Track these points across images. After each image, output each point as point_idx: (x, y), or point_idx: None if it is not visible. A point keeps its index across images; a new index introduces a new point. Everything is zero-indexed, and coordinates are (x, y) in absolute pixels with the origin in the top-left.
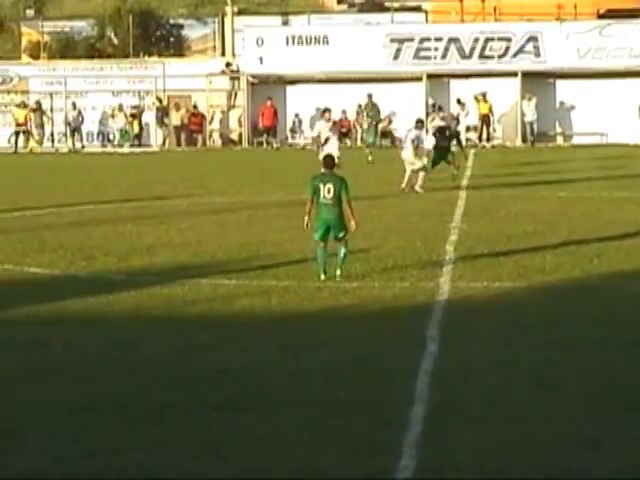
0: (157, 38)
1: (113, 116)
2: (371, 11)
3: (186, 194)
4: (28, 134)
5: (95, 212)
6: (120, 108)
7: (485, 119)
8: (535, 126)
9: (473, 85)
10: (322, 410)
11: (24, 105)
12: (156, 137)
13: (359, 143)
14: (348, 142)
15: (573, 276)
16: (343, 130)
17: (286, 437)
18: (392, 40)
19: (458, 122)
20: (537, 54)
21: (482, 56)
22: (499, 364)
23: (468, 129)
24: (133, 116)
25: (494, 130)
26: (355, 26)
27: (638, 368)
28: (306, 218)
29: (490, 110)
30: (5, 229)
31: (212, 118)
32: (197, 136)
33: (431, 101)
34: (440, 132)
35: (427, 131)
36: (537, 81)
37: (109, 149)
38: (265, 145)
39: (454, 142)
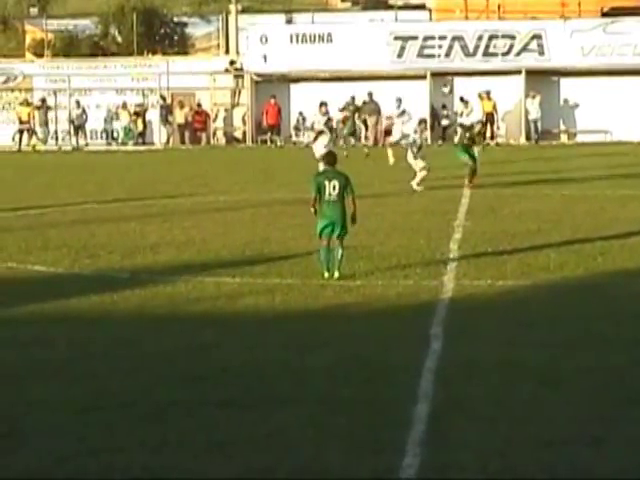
0: (161, 36)
1: (117, 114)
2: (375, 9)
3: (190, 192)
4: (32, 132)
5: (99, 210)
6: (124, 106)
7: (489, 117)
8: (539, 124)
9: (477, 83)
10: (326, 408)
11: (27, 103)
12: (160, 135)
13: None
14: (352, 140)
15: (577, 274)
16: None
17: (290, 435)
18: (396, 38)
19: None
20: (541, 52)
21: (486, 54)
22: (503, 362)
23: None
24: (137, 114)
25: (498, 128)
26: (359, 24)
27: None
28: (312, 209)
29: (494, 108)
30: (9, 227)
31: (216, 116)
32: (201, 134)
33: (460, 95)
34: (465, 129)
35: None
36: (541, 79)
37: (113, 147)
38: (269, 143)
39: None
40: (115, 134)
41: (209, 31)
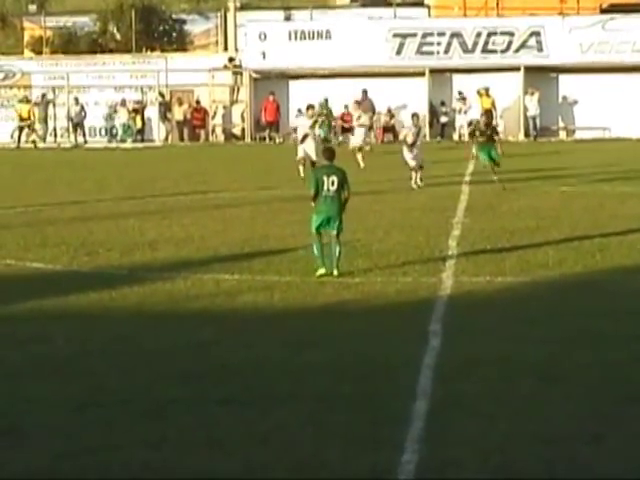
0: (159, 33)
1: (116, 111)
2: (374, 6)
3: (188, 189)
4: (32, 129)
5: (97, 207)
6: (123, 103)
7: (488, 114)
8: (538, 121)
9: (476, 80)
10: (325, 405)
11: (27, 100)
12: (159, 132)
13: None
14: (351, 137)
15: (576, 271)
16: (346, 125)
17: (289, 432)
18: (395, 35)
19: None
20: (540, 49)
21: (485, 51)
22: (502, 359)
23: (470, 124)
24: (135, 111)
25: (497, 125)
26: (358, 21)
27: None
28: (313, 204)
29: (493, 105)
30: (7, 224)
31: (215, 113)
32: (200, 131)
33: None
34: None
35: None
36: (540, 76)
37: (112, 144)
38: (268, 140)
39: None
40: (114, 131)
41: (208, 28)
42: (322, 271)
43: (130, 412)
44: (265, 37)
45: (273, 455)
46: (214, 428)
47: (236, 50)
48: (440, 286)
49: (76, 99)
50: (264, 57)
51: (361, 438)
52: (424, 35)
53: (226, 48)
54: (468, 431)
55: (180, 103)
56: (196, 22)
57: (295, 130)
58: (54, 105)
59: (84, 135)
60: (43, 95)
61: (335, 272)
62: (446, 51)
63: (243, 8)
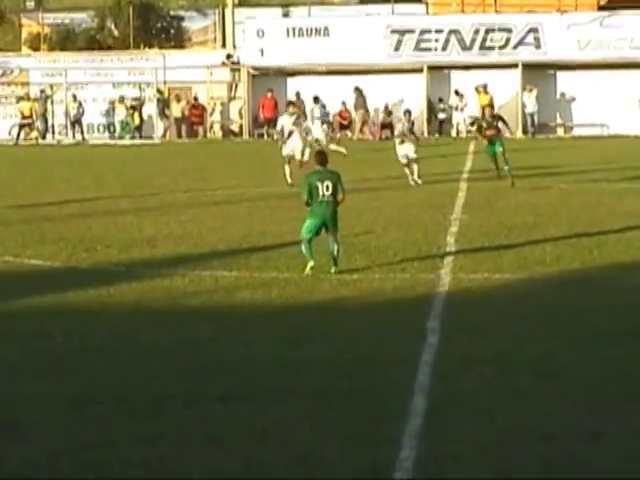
0: (157, 30)
1: (114, 108)
2: (372, 2)
3: (187, 186)
4: (32, 126)
5: (96, 204)
6: (121, 100)
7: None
8: (536, 117)
9: (474, 76)
10: (322, 401)
11: (28, 97)
12: (157, 129)
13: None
14: (349, 134)
15: (573, 267)
16: (344, 122)
17: (287, 428)
18: (393, 32)
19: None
20: (538, 45)
21: (483, 47)
22: (500, 355)
23: (473, 123)
24: (133, 108)
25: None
26: (356, 18)
27: (638, 359)
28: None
29: (491, 102)
30: (5, 221)
31: (213, 110)
32: (198, 128)
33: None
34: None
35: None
36: (538, 72)
37: (110, 141)
38: (266, 137)
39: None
40: (112, 128)
41: (206, 25)
42: (311, 264)
43: (128, 408)
44: (263, 34)
45: (271, 451)
46: (212, 424)
47: (234, 47)
48: (438, 283)
49: (74, 96)
50: (262, 54)
51: (359, 434)
52: (422, 32)
53: (224, 45)
54: (466, 427)
55: (178, 100)
56: (194, 19)
57: (281, 131)
58: (52, 102)
59: (82, 132)
60: (42, 91)
61: (333, 269)
62: (444, 48)
63: (241, 5)
